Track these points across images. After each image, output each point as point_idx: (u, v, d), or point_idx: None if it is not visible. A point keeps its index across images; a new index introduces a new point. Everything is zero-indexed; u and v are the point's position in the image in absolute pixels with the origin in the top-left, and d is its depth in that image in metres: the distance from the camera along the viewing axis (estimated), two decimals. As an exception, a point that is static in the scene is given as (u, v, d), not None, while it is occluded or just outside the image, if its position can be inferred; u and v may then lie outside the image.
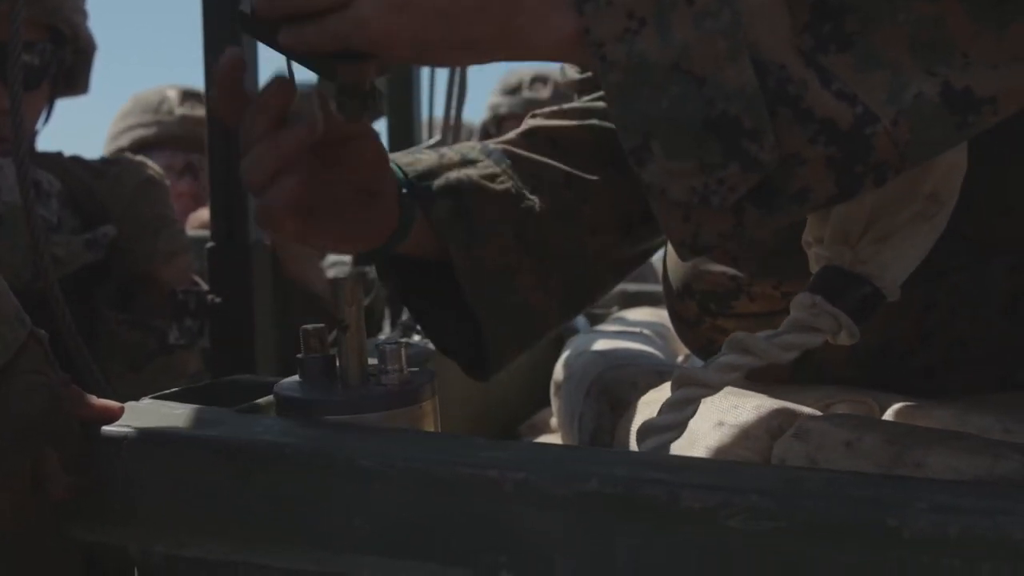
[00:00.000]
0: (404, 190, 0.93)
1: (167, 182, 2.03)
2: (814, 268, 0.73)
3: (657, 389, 0.88)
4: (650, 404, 0.86)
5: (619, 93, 0.61)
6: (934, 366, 0.83)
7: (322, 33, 0.66)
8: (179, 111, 2.81)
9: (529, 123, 1.08)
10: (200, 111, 2.70)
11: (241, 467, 0.65)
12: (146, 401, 0.77)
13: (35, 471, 0.66)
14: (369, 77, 0.73)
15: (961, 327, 0.81)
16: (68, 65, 1.84)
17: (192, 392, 0.84)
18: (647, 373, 1.01)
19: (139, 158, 2.04)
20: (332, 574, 0.63)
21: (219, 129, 1.59)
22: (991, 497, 0.54)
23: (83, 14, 1.86)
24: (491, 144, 1.03)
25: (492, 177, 0.99)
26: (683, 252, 0.65)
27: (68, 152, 1.90)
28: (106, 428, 0.69)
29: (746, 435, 0.76)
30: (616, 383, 1.03)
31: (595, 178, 1.03)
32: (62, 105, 1.91)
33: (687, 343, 1.04)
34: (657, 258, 1.15)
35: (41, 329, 0.68)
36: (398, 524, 0.61)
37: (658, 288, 1.30)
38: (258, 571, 0.64)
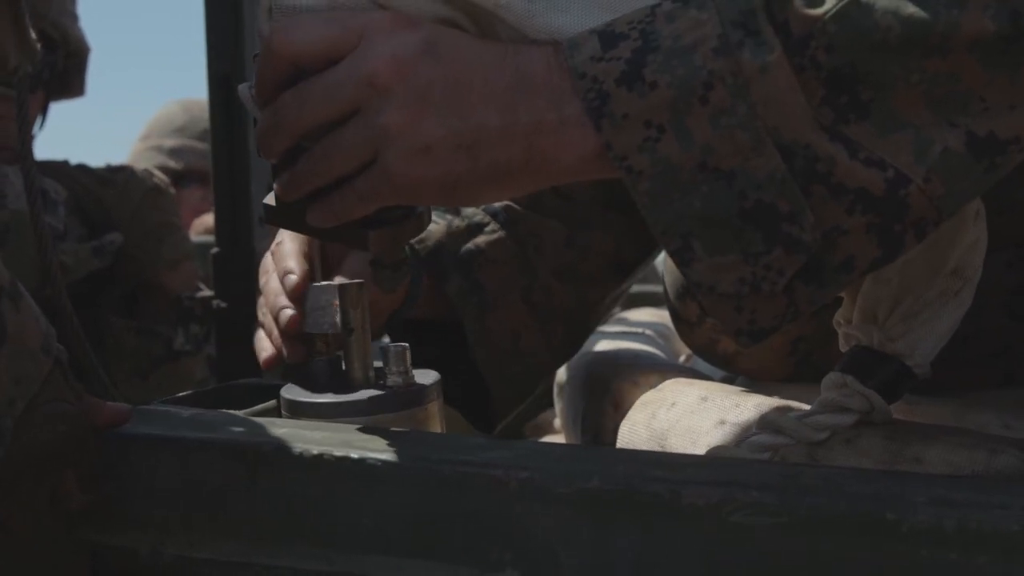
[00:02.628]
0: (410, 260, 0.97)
1: (172, 190, 2.04)
2: (844, 348, 0.74)
3: (657, 389, 0.89)
4: (649, 404, 0.86)
5: (651, 200, 0.61)
6: (935, 363, 0.84)
7: (350, 198, 0.66)
8: None
9: None
10: None
11: (250, 469, 0.66)
12: (154, 405, 0.78)
13: (53, 492, 0.66)
14: (401, 243, 0.73)
15: (961, 324, 0.82)
16: (60, 69, 1.84)
17: (200, 396, 0.85)
18: (649, 373, 1.02)
19: (144, 167, 2.05)
20: (341, 573, 0.63)
21: (221, 136, 1.60)
22: (988, 491, 0.55)
23: (72, 17, 1.86)
24: (493, 206, 1.07)
25: (498, 244, 1.04)
26: (742, 341, 0.64)
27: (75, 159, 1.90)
28: (116, 431, 0.70)
29: (748, 433, 0.77)
30: (618, 383, 1.04)
31: (594, 232, 1.08)
32: (73, 111, 1.93)
33: (688, 343, 1.05)
34: (659, 260, 1.16)
35: (59, 345, 0.68)
36: (405, 523, 0.62)
37: (659, 289, 1.31)
38: (267, 571, 0.65)
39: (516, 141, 0.63)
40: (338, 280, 0.84)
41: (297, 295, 0.83)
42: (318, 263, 0.82)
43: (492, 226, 1.05)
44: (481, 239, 1.04)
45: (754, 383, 0.96)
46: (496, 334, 1.01)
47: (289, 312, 0.81)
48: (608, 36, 0.62)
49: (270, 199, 0.73)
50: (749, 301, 0.62)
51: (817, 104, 0.59)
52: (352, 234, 0.71)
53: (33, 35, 0.76)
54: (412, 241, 1.00)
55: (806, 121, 0.59)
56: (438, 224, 1.04)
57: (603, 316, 1.18)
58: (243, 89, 0.71)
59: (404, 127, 0.62)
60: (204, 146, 2.78)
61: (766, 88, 0.59)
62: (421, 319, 1.02)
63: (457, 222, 1.04)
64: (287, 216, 0.71)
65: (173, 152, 2.84)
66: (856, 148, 0.59)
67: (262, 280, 0.87)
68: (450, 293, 1.00)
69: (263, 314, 0.85)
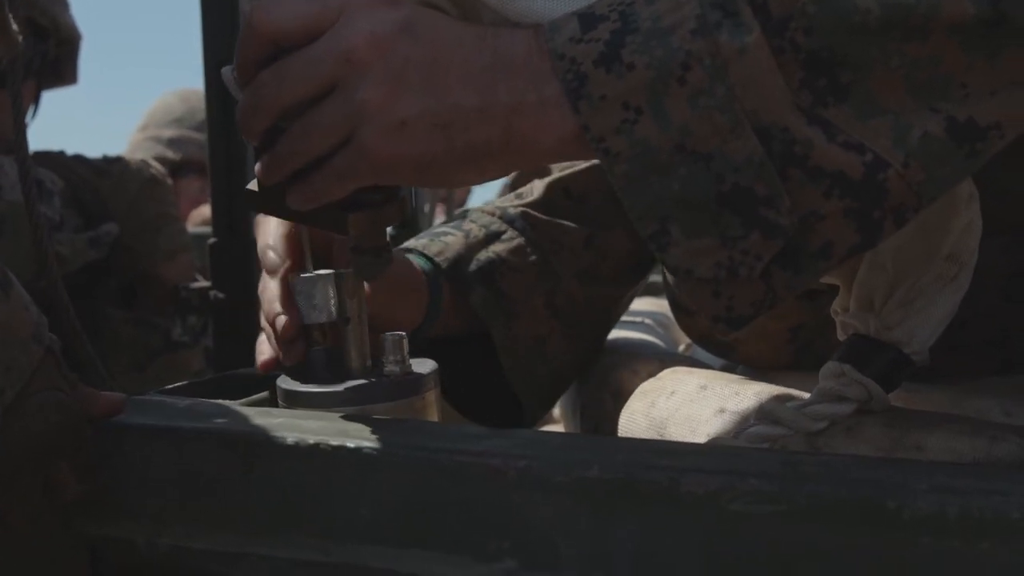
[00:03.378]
0: (428, 278, 0.98)
1: (169, 181, 2.03)
2: (841, 336, 0.73)
3: (656, 378, 0.88)
4: (648, 393, 0.86)
5: (628, 183, 0.60)
6: (932, 350, 0.83)
7: (328, 177, 0.65)
8: None
9: (547, 179, 1.13)
10: None
11: (245, 458, 0.65)
12: (150, 395, 0.78)
13: (47, 482, 0.66)
14: (382, 227, 0.73)
15: (960, 309, 0.81)
16: (52, 57, 1.83)
17: (196, 386, 0.84)
18: (648, 361, 1.01)
19: (140, 158, 2.04)
20: (338, 564, 0.63)
21: (218, 125, 1.60)
22: (990, 478, 0.54)
23: (63, 4, 1.85)
24: (511, 209, 1.08)
25: (517, 251, 1.04)
26: (720, 328, 0.64)
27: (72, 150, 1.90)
28: (111, 422, 0.70)
29: (747, 422, 0.76)
30: (617, 372, 1.04)
31: (611, 232, 1.09)
32: (69, 102, 1.93)
33: (687, 332, 1.04)
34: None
35: (51, 335, 0.68)
36: (402, 513, 0.62)
37: (659, 278, 1.30)
38: (264, 561, 0.65)
39: (494, 122, 0.62)
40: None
41: (284, 303, 0.82)
42: (308, 252, 0.82)
43: (510, 233, 1.06)
44: (500, 247, 1.04)
45: (754, 371, 0.96)
46: (522, 341, 1.02)
47: (283, 319, 0.80)
48: (588, 18, 0.61)
49: (252, 184, 0.73)
50: (727, 287, 0.62)
51: (796, 87, 0.59)
52: (332, 218, 0.71)
53: (15, 26, 0.75)
54: (433, 255, 1.00)
55: (784, 104, 0.59)
56: (455, 236, 1.04)
57: (623, 312, 1.19)
58: (226, 72, 0.71)
59: (381, 103, 0.62)
60: (202, 136, 2.79)
61: (744, 70, 0.58)
62: (442, 335, 1.02)
63: (475, 231, 1.05)
64: (269, 201, 0.71)
65: (171, 143, 2.84)
66: (834, 131, 0.58)
67: (260, 284, 0.87)
68: (474, 304, 1.00)
69: (262, 318, 0.85)
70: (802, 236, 0.60)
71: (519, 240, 1.05)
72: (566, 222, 1.08)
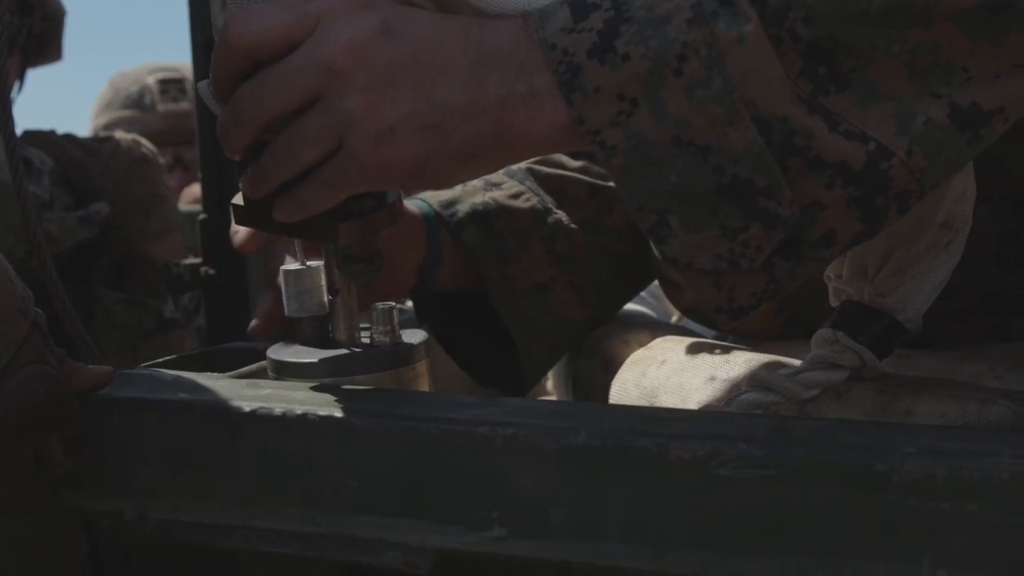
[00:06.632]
0: (427, 221, 0.97)
1: (161, 160, 2.03)
2: (834, 303, 0.73)
3: (647, 347, 0.88)
4: (639, 362, 0.86)
5: (625, 175, 0.60)
6: (926, 316, 0.83)
7: (317, 187, 0.64)
8: (162, 107, 2.81)
9: None
10: (183, 104, 2.71)
11: (234, 431, 0.65)
12: (140, 369, 0.77)
13: (37, 456, 0.66)
14: (373, 235, 0.72)
15: (952, 276, 0.81)
16: (37, 33, 1.83)
17: (186, 360, 0.84)
18: (639, 331, 1.01)
19: (132, 136, 2.03)
20: (326, 534, 0.63)
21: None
22: (978, 440, 0.54)
23: None
24: (513, 168, 1.06)
25: (516, 196, 1.03)
26: (721, 319, 0.63)
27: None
28: (99, 395, 0.69)
29: (738, 389, 0.76)
30: (608, 343, 1.03)
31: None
32: (53, 81, 1.92)
33: (676, 304, 1.04)
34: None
35: (38, 308, 0.68)
36: (391, 483, 0.61)
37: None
38: (253, 533, 0.65)
39: (484, 116, 0.61)
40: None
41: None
42: (300, 245, 0.80)
43: (510, 183, 1.04)
44: (497, 192, 1.03)
45: (743, 341, 0.95)
46: (521, 284, 0.99)
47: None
48: (579, 6, 0.60)
49: (238, 199, 0.71)
50: (728, 278, 0.61)
51: (795, 76, 0.58)
52: (322, 229, 0.69)
53: None
54: (425, 196, 0.98)
55: (783, 94, 0.58)
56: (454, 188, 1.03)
57: (634, 288, 1.14)
58: (202, 86, 0.70)
59: (367, 111, 0.61)
60: (131, 112, 2.83)
61: (742, 60, 0.57)
62: (451, 291, 1.00)
63: (474, 182, 1.03)
64: (256, 215, 0.70)
65: (106, 129, 2.85)
66: (836, 120, 0.58)
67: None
68: (467, 242, 0.98)
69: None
70: (804, 226, 0.60)
71: (518, 187, 1.04)
72: (570, 172, 1.06)
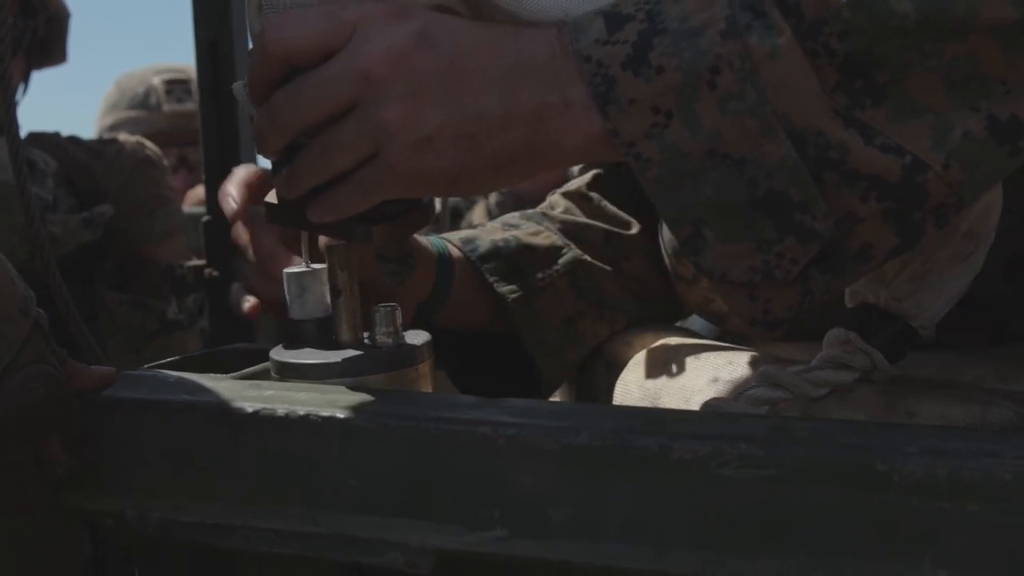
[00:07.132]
0: (437, 246, 0.97)
1: (165, 162, 2.03)
2: (849, 304, 0.73)
3: (650, 349, 0.88)
4: (641, 364, 0.86)
5: (660, 187, 0.60)
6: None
7: (352, 192, 0.65)
8: (167, 107, 2.82)
9: (564, 187, 1.13)
10: (188, 104, 2.72)
11: (235, 430, 0.65)
12: (142, 370, 0.77)
13: (38, 456, 0.66)
14: (406, 236, 0.72)
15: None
16: (41, 35, 1.83)
17: (189, 361, 0.84)
18: (643, 334, 1.01)
19: (136, 138, 2.04)
20: (327, 534, 0.63)
21: (209, 102, 1.59)
22: (980, 440, 0.54)
23: None
24: (528, 211, 1.08)
25: (536, 234, 1.03)
26: (756, 330, 0.63)
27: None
28: (102, 395, 0.69)
29: (741, 389, 0.76)
30: (611, 344, 1.03)
31: (633, 232, 1.07)
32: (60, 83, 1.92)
33: (685, 301, 1.04)
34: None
35: (39, 309, 0.68)
36: (392, 483, 0.61)
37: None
38: (254, 533, 0.65)
39: (518, 127, 0.62)
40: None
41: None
42: (306, 248, 0.80)
43: (527, 224, 1.05)
44: (517, 232, 1.03)
45: (746, 340, 0.95)
46: (547, 318, 1.00)
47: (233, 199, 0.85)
48: (614, 17, 0.60)
49: (271, 197, 0.72)
50: (763, 290, 0.61)
51: (831, 90, 0.58)
52: (355, 229, 0.69)
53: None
54: (443, 236, 0.99)
55: (819, 107, 0.58)
56: (467, 230, 1.03)
57: (669, 317, 1.12)
58: (237, 87, 0.70)
59: (404, 121, 0.61)
60: (137, 113, 2.84)
61: (776, 73, 0.57)
62: (459, 328, 1.00)
63: (490, 224, 1.05)
64: (290, 214, 0.70)
65: (112, 130, 2.86)
66: (872, 134, 0.58)
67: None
68: (486, 272, 0.98)
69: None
70: (840, 239, 0.59)
71: (536, 227, 1.04)
72: (584, 220, 1.07)
